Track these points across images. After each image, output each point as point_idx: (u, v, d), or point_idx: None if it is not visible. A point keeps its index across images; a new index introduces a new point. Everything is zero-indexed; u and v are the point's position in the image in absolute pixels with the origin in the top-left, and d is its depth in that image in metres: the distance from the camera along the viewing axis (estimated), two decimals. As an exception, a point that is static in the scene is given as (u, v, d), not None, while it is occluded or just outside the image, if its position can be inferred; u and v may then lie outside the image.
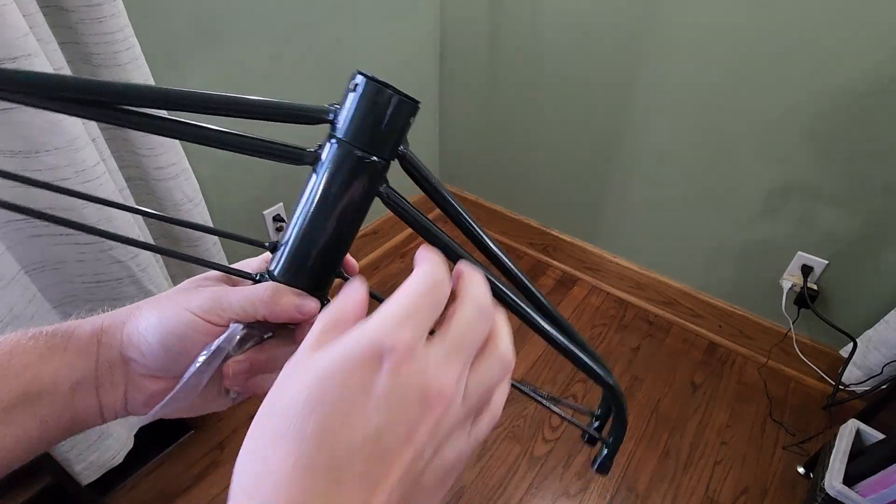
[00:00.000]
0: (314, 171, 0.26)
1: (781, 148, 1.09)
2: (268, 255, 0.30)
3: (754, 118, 1.09)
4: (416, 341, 0.20)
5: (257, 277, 0.28)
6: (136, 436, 1.02)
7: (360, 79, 0.24)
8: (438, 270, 0.21)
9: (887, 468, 0.88)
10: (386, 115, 0.25)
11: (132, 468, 1.05)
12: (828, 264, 1.16)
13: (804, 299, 1.19)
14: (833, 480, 0.92)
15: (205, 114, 0.24)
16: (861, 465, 0.93)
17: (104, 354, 0.26)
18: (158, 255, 0.92)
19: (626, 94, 1.24)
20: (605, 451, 0.38)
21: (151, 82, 0.77)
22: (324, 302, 0.28)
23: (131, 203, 0.85)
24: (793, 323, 1.25)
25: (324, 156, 0.26)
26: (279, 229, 1.29)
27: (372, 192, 0.26)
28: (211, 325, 0.26)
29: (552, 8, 1.25)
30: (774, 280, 1.25)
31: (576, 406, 0.40)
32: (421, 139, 1.66)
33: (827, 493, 0.92)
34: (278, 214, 1.28)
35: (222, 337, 0.26)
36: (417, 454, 0.19)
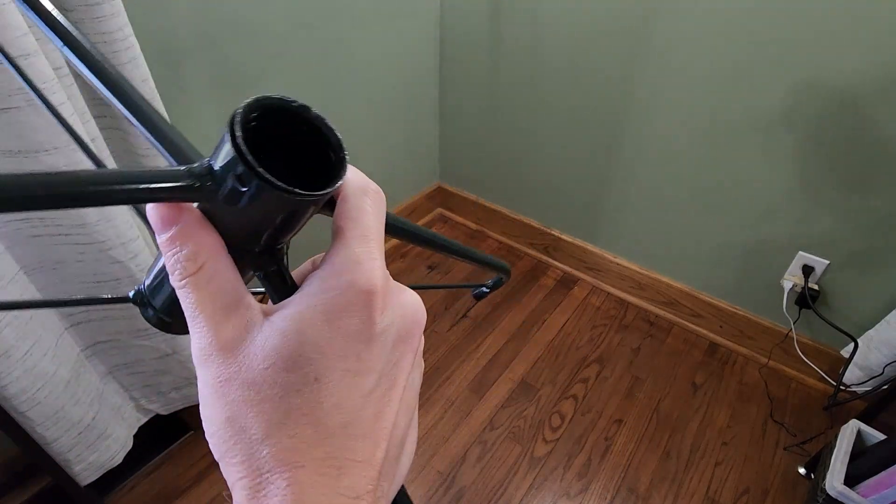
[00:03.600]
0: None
1: (783, 148, 1.09)
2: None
3: (756, 118, 1.09)
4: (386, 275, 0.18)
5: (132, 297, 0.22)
6: (135, 436, 1.02)
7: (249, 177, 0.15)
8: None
9: (888, 469, 0.88)
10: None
11: (132, 469, 1.05)
12: (829, 264, 1.15)
13: (805, 299, 1.18)
14: (834, 481, 0.92)
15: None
16: (862, 466, 0.93)
17: None
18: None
19: (627, 94, 1.24)
20: (485, 289, 0.50)
21: (150, 82, 0.77)
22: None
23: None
24: (794, 323, 1.25)
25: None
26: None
27: None
28: None
29: (552, 8, 1.25)
30: (775, 280, 1.24)
31: (469, 285, 0.54)
32: (421, 139, 1.65)
33: (828, 494, 0.92)
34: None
35: None
36: (402, 388, 0.19)
